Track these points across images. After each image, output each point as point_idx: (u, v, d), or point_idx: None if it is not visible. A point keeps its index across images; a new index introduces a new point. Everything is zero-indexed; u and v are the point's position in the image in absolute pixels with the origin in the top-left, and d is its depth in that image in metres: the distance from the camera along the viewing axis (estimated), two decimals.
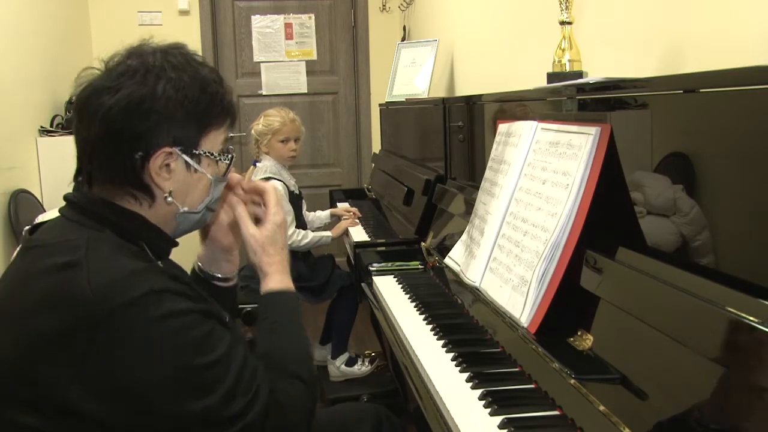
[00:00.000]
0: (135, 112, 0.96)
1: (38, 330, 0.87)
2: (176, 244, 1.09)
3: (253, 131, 2.72)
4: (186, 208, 1.04)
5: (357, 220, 2.84)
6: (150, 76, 0.97)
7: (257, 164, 2.71)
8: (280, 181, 2.62)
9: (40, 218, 2.91)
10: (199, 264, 1.27)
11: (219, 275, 1.27)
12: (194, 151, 1.02)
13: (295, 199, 2.69)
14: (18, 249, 1.02)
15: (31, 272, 0.92)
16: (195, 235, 1.21)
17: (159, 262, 1.02)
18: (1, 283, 0.97)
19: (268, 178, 2.62)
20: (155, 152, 0.98)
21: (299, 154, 2.79)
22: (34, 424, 0.87)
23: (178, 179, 1.01)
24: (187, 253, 1.25)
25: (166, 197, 1.01)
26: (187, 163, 1.02)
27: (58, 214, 1.02)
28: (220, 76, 1.07)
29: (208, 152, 1.04)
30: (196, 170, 1.03)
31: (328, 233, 2.72)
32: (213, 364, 0.92)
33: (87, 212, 0.98)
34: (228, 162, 1.08)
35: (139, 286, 0.88)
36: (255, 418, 0.94)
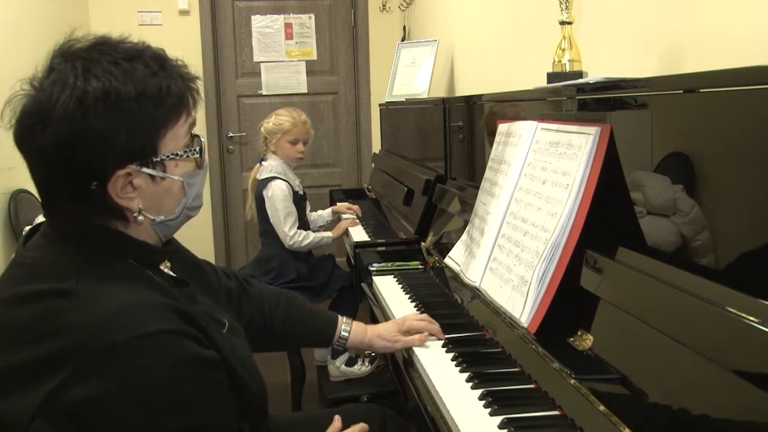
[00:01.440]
0: (70, 145, 0.85)
1: (17, 357, 0.82)
2: (168, 250, 1.03)
3: (262, 128, 2.71)
4: (162, 217, 0.96)
5: (357, 220, 2.84)
6: (74, 96, 0.85)
7: (263, 163, 2.72)
8: (284, 181, 2.63)
9: (39, 219, 2.91)
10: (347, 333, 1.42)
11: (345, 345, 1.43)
12: (154, 159, 0.92)
13: (299, 200, 2.71)
14: (12, 258, 0.98)
15: (17, 293, 0.87)
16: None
17: (155, 275, 0.97)
18: None
19: (273, 178, 2.62)
20: (110, 177, 0.88)
21: (306, 156, 2.81)
22: None
23: (145, 194, 0.92)
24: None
25: (135, 216, 0.92)
26: (150, 174, 0.92)
27: (41, 230, 0.96)
28: (161, 61, 0.93)
29: (171, 154, 0.93)
30: (162, 178, 0.94)
31: (328, 234, 2.73)
32: (192, 429, 0.85)
33: (67, 234, 0.92)
34: (197, 154, 0.97)
35: (134, 327, 0.82)
36: None
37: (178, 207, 0.98)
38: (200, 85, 1.01)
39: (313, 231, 2.75)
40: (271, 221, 2.63)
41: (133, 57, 0.91)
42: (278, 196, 2.60)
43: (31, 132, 0.87)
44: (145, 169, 0.91)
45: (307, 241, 2.63)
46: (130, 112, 0.88)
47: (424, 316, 1.46)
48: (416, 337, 1.40)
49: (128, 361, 0.81)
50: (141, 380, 0.82)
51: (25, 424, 0.79)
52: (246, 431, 0.99)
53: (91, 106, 0.85)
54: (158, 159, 0.92)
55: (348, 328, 1.44)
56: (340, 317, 1.46)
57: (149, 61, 0.92)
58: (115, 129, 0.87)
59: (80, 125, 0.85)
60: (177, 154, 0.94)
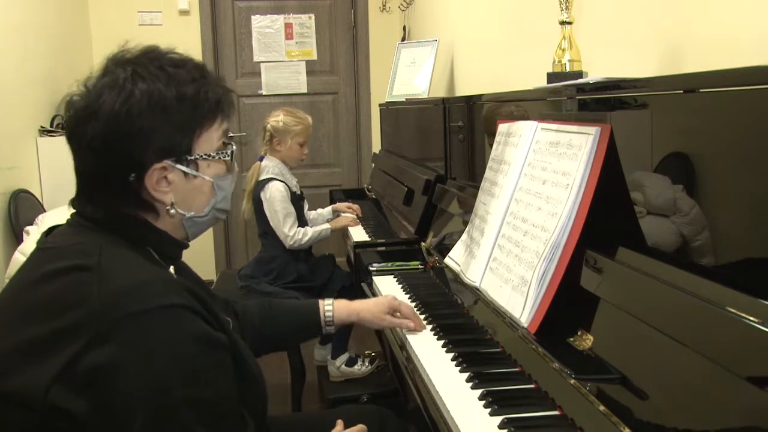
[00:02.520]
0: (116, 137, 0.94)
1: (38, 330, 0.86)
2: (186, 246, 1.08)
3: (269, 126, 2.69)
4: (192, 213, 1.04)
5: (357, 219, 2.84)
6: (123, 95, 0.94)
7: (262, 162, 2.72)
8: (282, 182, 2.63)
9: (46, 218, 2.91)
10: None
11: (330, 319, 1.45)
12: (189, 158, 1.00)
13: (296, 200, 2.70)
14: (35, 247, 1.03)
15: (41, 273, 0.92)
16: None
17: (171, 269, 1.03)
18: (14, 281, 0.97)
19: (269, 180, 2.62)
20: (148, 170, 0.96)
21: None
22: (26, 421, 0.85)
23: (178, 189, 1.00)
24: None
25: (168, 209, 1.00)
26: (184, 171, 1.00)
27: (68, 219, 1.02)
28: (202, 70, 1.03)
29: (204, 154, 1.02)
30: (195, 176, 1.01)
31: (326, 226, 2.74)
32: (197, 402, 0.87)
33: (94, 220, 0.98)
34: (229, 158, 1.06)
35: (152, 299, 0.87)
36: None
37: (207, 206, 1.06)
38: (234, 97, 1.10)
39: (311, 228, 2.75)
40: (271, 224, 2.62)
41: (177, 65, 1.00)
42: (276, 198, 2.60)
43: (81, 125, 0.95)
44: (179, 166, 0.99)
45: (306, 238, 2.63)
46: (170, 112, 0.96)
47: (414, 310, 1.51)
48: (405, 320, 1.45)
49: (142, 330, 0.85)
50: (153, 349, 0.85)
51: (42, 393, 0.83)
52: (247, 419, 1.01)
53: (136, 104, 0.94)
54: (192, 158, 1.00)
55: (330, 307, 1.47)
56: (320, 301, 1.49)
57: (191, 69, 1.01)
58: (156, 126, 0.96)
59: (125, 121, 0.94)
60: (209, 155, 1.02)
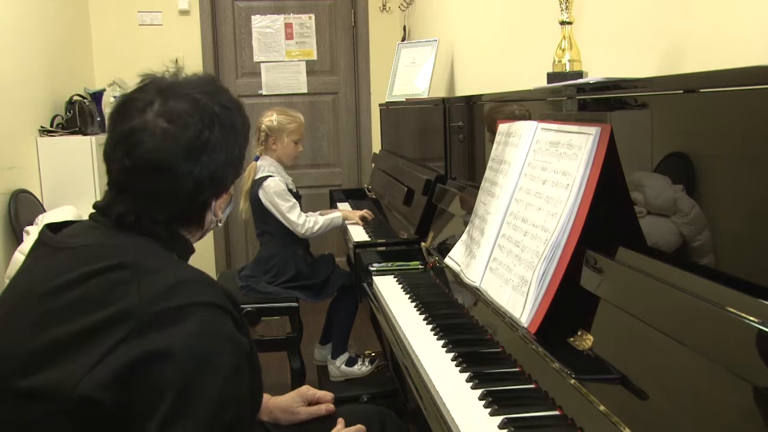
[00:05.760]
0: (216, 176, 1.01)
1: (74, 327, 0.86)
2: (194, 251, 1.11)
3: (264, 126, 2.71)
4: (220, 220, 1.11)
5: (365, 220, 2.81)
6: (220, 125, 1.00)
7: (258, 161, 2.72)
8: (279, 177, 2.64)
9: (46, 217, 2.91)
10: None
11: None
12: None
13: (295, 197, 2.70)
14: (35, 244, 1.02)
15: (72, 276, 0.91)
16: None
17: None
18: (27, 279, 0.96)
19: (267, 176, 2.63)
20: (227, 191, 1.06)
21: (302, 155, 2.86)
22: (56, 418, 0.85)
23: (224, 203, 1.09)
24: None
25: (218, 221, 1.09)
26: None
27: (85, 221, 1.02)
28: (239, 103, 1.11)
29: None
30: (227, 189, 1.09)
31: (338, 213, 2.74)
32: (218, 400, 0.88)
33: (123, 222, 0.98)
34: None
35: (191, 296, 0.89)
36: None
37: (224, 211, 1.13)
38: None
39: (321, 216, 2.74)
40: (278, 218, 2.62)
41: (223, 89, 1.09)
42: (276, 191, 2.60)
43: (189, 158, 0.99)
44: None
45: (318, 225, 2.64)
46: (240, 133, 1.06)
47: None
48: (322, 406, 1.39)
49: (179, 323, 0.86)
50: (186, 343, 0.86)
51: (71, 388, 0.83)
52: (257, 426, 1.02)
53: (224, 132, 1.02)
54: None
55: None
56: None
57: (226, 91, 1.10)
58: (237, 149, 1.05)
59: (221, 150, 1.01)
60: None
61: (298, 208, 2.64)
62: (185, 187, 0.98)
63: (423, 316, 1.56)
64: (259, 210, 2.66)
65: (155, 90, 0.99)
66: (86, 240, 0.98)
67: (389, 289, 1.82)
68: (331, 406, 1.39)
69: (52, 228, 1.03)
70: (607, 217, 1.16)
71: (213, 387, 0.87)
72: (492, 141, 1.62)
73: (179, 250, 1.04)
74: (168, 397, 0.84)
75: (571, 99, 1.32)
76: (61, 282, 0.91)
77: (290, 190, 2.68)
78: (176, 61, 1.20)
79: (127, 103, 0.99)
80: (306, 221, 2.61)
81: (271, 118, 2.70)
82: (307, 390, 1.42)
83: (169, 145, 0.96)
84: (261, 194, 2.62)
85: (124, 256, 0.92)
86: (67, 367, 0.85)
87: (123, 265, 0.90)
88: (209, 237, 4.47)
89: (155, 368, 0.84)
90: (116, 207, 0.99)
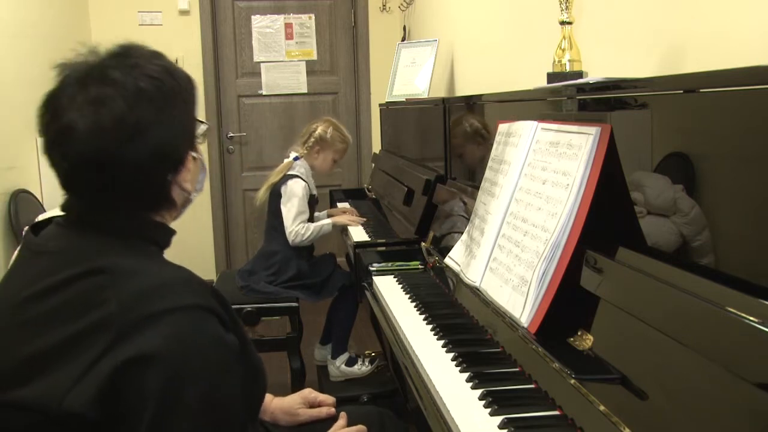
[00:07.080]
0: (163, 153, 0.93)
1: (54, 338, 0.84)
2: (175, 233, 1.05)
3: (317, 133, 2.77)
4: (194, 194, 1.03)
5: (358, 219, 2.83)
6: (156, 102, 0.92)
7: (297, 161, 2.76)
8: (305, 182, 2.70)
9: (42, 216, 2.91)
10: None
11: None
12: (197, 141, 1.00)
13: (312, 203, 2.77)
14: (20, 248, 1.00)
15: (51, 282, 0.88)
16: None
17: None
18: (9, 286, 0.94)
19: (296, 176, 2.69)
20: (182, 166, 0.96)
21: None
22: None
23: (191, 173, 1.00)
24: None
25: (189, 197, 1.00)
26: (193, 155, 1.00)
27: (57, 221, 0.98)
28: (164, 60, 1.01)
29: (199, 134, 1.01)
30: (195, 157, 1.00)
31: (328, 221, 2.79)
32: (205, 401, 0.86)
33: (93, 222, 0.95)
34: (204, 131, 1.05)
35: (171, 300, 0.86)
36: None
37: (198, 183, 1.05)
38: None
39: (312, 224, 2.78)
40: (283, 212, 2.66)
41: (157, 55, 0.99)
42: (297, 194, 2.65)
43: (122, 144, 0.90)
44: (193, 153, 0.99)
45: (308, 233, 2.67)
46: (187, 100, 0.97)
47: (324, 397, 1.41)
48: (323, 409, 1.37)
49: (162, 330, 0.83)
50: (171, 349, 0.83)
51: (57, 402, 0.81)
52: (248, 428, 1.00)
53: (170, 103, 0.93)
54: (196, 137, 1.01)
55: None
56: None
57: (161, 54, 1.00)
58: (183, 117, 0.96)
59: (167, 123, 0.93)
60: (199, 135, 1.02)
61: (305, 218, 2.68)
62: (132, 174, 0.91)
63: (423, 316, 1.56)
64: (275, 204, 2.71)
65: (74, 81, 0.94)
66: (59, 243, 0.94)
67: (389, 289, 1.82)
68: (332, 410, 1.38)
69: (36, 227, 1.00)
70: (607, 217, 1.16)
71: (196, 391, 0.85)
72: (492, 141, 1.62)
73: (156, 238, 0.98)
74: (151, 404, 0.82)
75: (571, 99, 1.32)
76: (40, 288, 0.89)
77: (312, 195, 2.76)
78: (161, 56, 1.06)
79: (52, 102, 0.94)
80: (300, 227, 2.65)
81: (327, 130, 2.77)
82: (309, 393, 1.41)
83: (98, 138, 0.89)
84: (283, 189, 2.68)
85: (100, 260, 0.88)
86: (52, 381, 0.82)
87: (100, 269, 0.87)
88: (209, 237, 4.47)
89: (136, 376, 0.82)
90: (75, 207, 0.96)
